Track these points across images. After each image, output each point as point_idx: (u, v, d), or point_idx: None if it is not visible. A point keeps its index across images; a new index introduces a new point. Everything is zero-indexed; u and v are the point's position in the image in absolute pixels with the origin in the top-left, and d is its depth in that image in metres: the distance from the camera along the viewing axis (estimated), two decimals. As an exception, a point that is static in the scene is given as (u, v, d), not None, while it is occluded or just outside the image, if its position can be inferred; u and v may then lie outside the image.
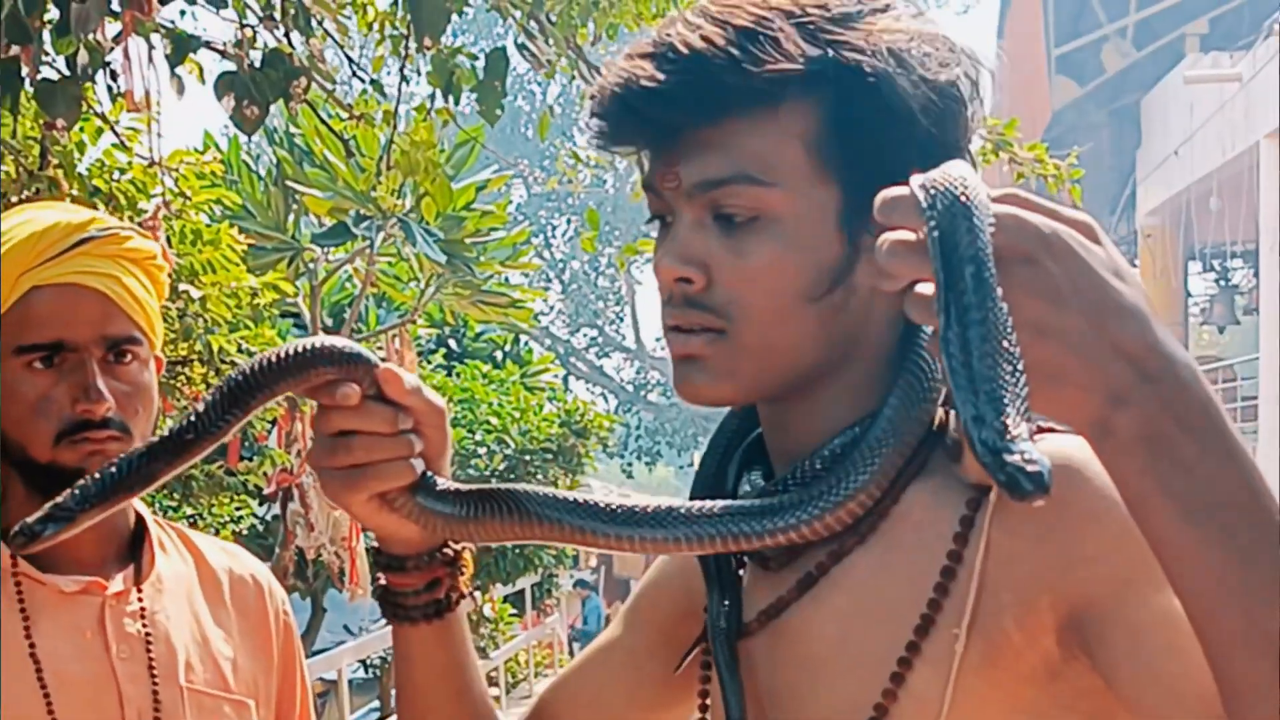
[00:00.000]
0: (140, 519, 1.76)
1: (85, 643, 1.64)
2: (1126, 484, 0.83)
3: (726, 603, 1.19)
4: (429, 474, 1.15)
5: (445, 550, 1.22)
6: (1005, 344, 0.79)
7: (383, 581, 1.23)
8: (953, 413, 1.04)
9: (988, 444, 0.76)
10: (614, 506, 1.10)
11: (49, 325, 1.61)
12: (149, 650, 1.66)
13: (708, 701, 1.23)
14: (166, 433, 1.14)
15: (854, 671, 1.08)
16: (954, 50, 1.09)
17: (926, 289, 0.80)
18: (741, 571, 1.20)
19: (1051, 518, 0.97)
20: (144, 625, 1.67)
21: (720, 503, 1.09)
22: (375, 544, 1.23)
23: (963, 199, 0.81)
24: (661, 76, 1.05)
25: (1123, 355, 0.81)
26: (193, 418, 1.12)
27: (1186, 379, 0.82)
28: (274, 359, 1.12)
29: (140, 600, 1.68)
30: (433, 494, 1.14)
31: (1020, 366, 0.79)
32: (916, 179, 0.84)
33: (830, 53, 1.05)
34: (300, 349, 1.12)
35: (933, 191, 0.82)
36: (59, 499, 1.11)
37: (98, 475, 1.12)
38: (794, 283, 1.07)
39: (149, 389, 1.68)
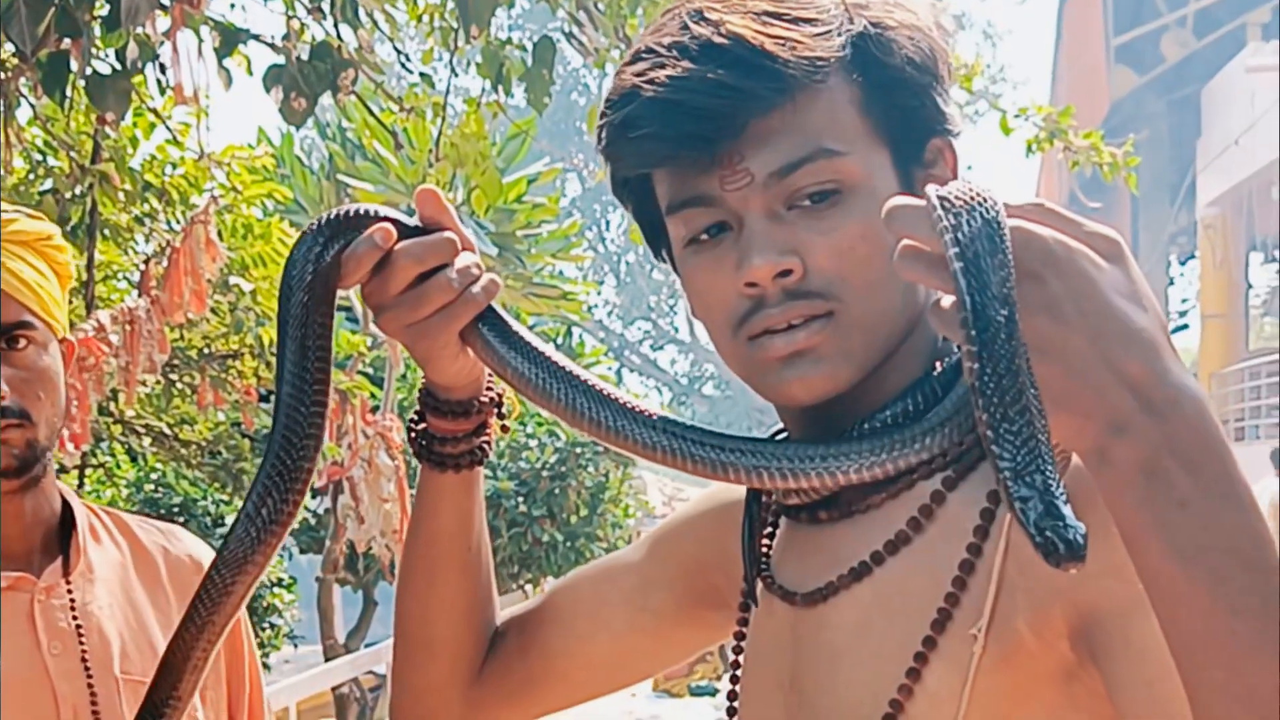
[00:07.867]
0: (67, 506, 1.70)
1: (16, 640, 1.59)
2: (1121, 515, 0.80)
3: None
4: (493, 307, 1.13)
5: (491, 392, 1.23)
6: (1034, 388, 0.77)
7: (428, 429, 1.23)
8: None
9: (1027, 503, 0.75)
10: (665, 419, 1.07)
11: None
12: (81, 643, 1.62)
13: (738, 668, 1.21)
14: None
15: (872, 664, 1.06)
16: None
17: (947, 300, 0.79)
18: (767, 541, 1.19)
19: None
20: (75, 618, 1.63)
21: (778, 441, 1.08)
22: (430, 388, 1.21)
23: (992, 223, 0.78)
24: (720, 72, 1.03)
25: (1126, 383, 0.78)
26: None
27: (1192, 414, 0.79)
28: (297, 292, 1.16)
29: (70, 593, 1.64)
30: (499, 333, 1.12)
31: (1042, 407, 0.77)
32: (933, 190, 0.81)
33: (861, 19, 1.07)
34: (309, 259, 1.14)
35: (957, 211, 0.79)
36: None
37: None
38: (884, 247, 1.03)
39: (49, 372, 1.62)
